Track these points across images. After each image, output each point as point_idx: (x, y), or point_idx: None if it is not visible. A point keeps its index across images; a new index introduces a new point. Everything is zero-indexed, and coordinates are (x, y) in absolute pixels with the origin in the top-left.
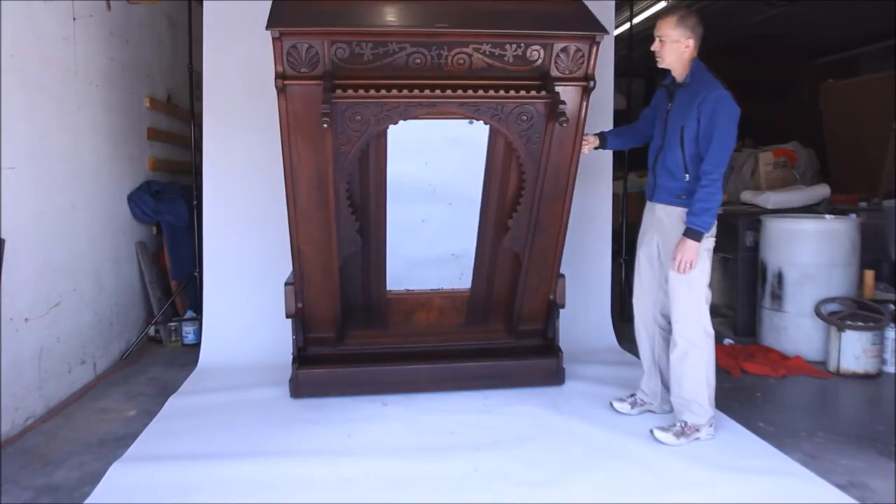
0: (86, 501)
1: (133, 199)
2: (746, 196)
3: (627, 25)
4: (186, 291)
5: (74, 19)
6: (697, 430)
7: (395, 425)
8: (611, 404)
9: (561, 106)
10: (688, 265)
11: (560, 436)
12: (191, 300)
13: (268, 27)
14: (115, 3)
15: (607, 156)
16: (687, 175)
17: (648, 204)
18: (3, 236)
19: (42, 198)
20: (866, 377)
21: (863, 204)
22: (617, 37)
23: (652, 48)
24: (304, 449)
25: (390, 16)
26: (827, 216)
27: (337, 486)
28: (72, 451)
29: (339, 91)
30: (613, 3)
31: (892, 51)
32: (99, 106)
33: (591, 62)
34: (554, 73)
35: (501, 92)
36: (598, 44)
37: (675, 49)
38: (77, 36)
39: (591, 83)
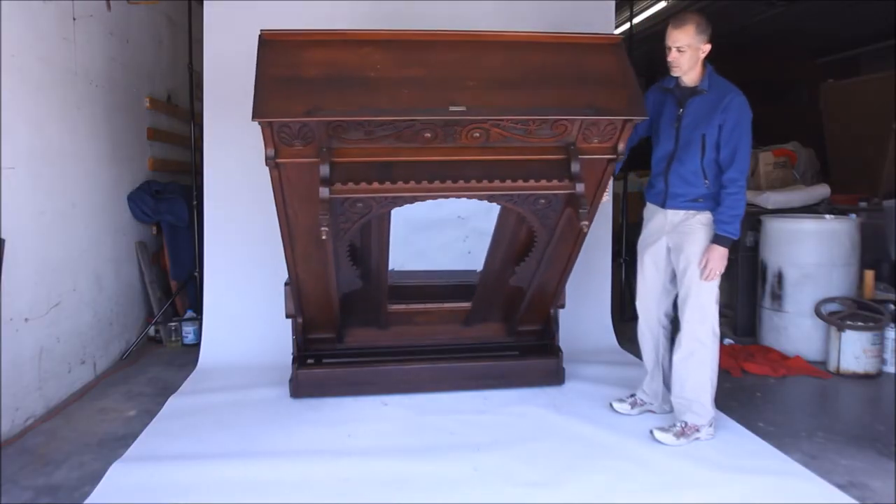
0: (86, 501)
1: (133, 199)
2: (747, 196)
3: (627, 25)
4: (186, 291)
5: (74, 19)
6: (697, 431)
7: (395, 425)
8: (611, 405)
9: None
10: (716, 272)
11: (560, 436)
12: (191, 300)
13: (254, 118)
14: (115, 3)
15: None
16: (706, 181)
17: (653, 208)
18: (3, 236)
19: (42, 198)
20: (866, 377)
21: (863, 204)
22: None
23: (669, 59)
24: (304, 449)
25: (396, 86)
26: (827, 216)
27: (337, 486)
28: (72, 451)
29: (337, 184)
30: (613, 3)
31: (892, 51)
32: (99, 106)
33: (623, 135)
34: (580, 143)
35: (520, 181)
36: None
37: (694, 56)
38: (77, 36)
39: (620, 155)
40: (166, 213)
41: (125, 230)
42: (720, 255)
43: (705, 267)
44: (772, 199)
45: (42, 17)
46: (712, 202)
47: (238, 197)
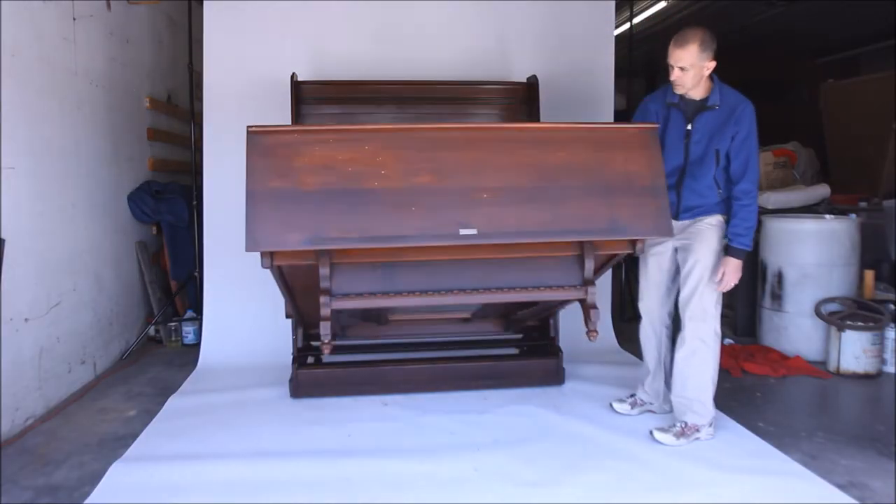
0: (86, 501)
1: (133, 199)
2: None
3: (627, 25)
4: (186, 291)
5: (74, 19)
6: (697, 431)
7: (395, 425)
8: (611, 405)
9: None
10: (731, 284)
11: (560, 436)
12: (191, 300)
13: (248, 248)
14: (115, 3)
15: None
16: (720, 190)
17: None
18: (3, 236)
19: (42, 198)
20: (866, 377)
21: (863, 204)
22: (617, 37)
23: (672, 79)
24: (304, 449)
25: (403, 201)
26: (827, 216)
27: (337, 486)
28: (72, 451)
29: (338, 298)
30: (613, 3)
31: (892, 51)
32: (99, 106)
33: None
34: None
35: (527, 290)
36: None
37: (698, 74)
38: (77, 36)
39: (638, 252)
40: (166, 213)
41: (125, 230)
42: (735, 267)
43: (721, 279)
44: (772, 199)
45: (42, 17)
46: (723, 205)
47: (238, 197)
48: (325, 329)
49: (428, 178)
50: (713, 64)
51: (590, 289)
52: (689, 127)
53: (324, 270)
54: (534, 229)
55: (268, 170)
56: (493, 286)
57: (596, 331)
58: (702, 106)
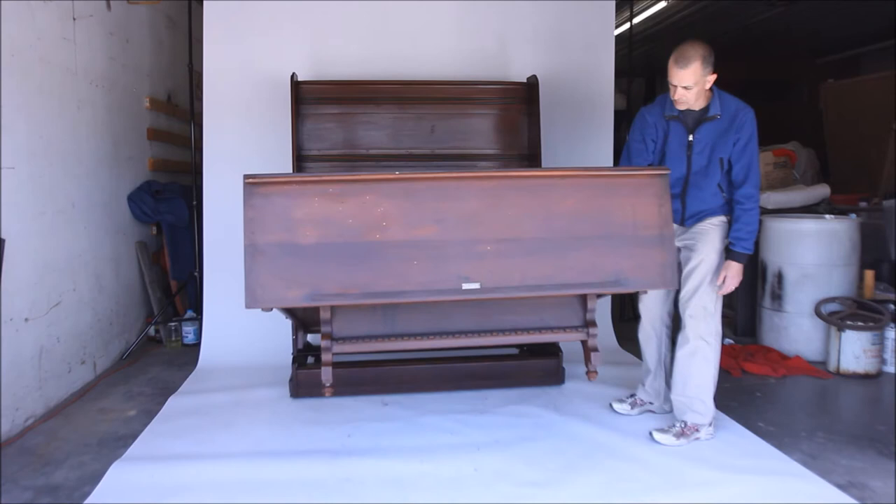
0: (86, 501)
1: (133, 199)
2: None
3: (627, 25)
4: (186, 291)
5: (74, 19)
6: (697, 431)
7: (395, 425)
8: (610, 405)
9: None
10: (732, 287)
11: (560, 436)
12: (191, 300)
13: (248, 305)
14: (115, 3)
15: (607, 156)
16: (724, 194)
17: None
18: (3, 236)
19: (42, 198)
20: (866, 377)
21: (863, 204)
22: (617, 37)
23: (675, 98)
24: (304, 449)
25: (404, 255)
26: (827, 216)
27: (337, 486)
28: (72, 451)
29: (339, 343)
30: (613, 3)
31: (892, 51)
32: (99, 106)
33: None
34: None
35: (528, 334)
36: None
37: (701, 90)
38: (77, 36)
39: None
40: (166, 213)
41: (125, 230)
42: (737, 271)
43: (723, 282)
44: (772, 199)
45: (42, 17)
46: (726, 206)
47: (238, 197)
48: (325, 374)
49: (431, 229)
50: (714, 76)
51: (591, 330)
52: (690, 138)
53: (325, 315)
54: (537, 283)
55: (266, 222)
56: (495, 329)
57: (596, 371)
58: (703, 117)
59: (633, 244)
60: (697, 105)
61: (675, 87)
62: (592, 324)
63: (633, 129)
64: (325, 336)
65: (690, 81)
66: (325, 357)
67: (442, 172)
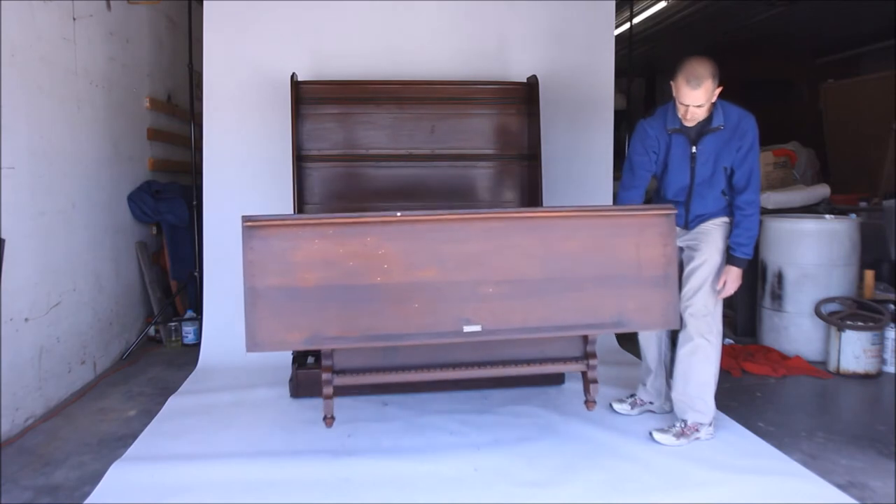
0: (86, 501)
1: (133, 199)
2: None
3: (627, 25)
4: (186, 291)
5: (74, 19)
6: (697, 431)
7: (395, 425)
8: (610, 405)
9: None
10: (732, 291)
11: (560, 436)
12: (191, 300)
13: (249, 349)
14: (115, 3)
15: (607, 156)
16: (726, 197)
17: None
18: (3, 236)
19: (42, 198)
20: (866, 377)
21: (863, 204)
22: (617, 37)
23: (686, 116)
24: (304, 449)
25: (405, 297)
26: (827, 216)
27: (337, 486)
28: (72, 451)
29: (340, 376)
30: (613, 3)
31: (892, 51)
32: (99, 106)
33: None
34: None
35: (528, 366)
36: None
37: (710, 106)
38: (77, 36)
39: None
40: (166, 213)
41: (125, 230)
42: (737, 275)
43: (723, 286)
44: (772, 198)
45: (42, 17)
46: (728, 208)
47: (238, 197)
48: (327, 407)
49: (432, 271)
50: (720, 89)
51: (591, 362)
52: (693, 150)
53: (326, 349)
54: (538, 324)
55: (265, 265)
56: (496, 361)
57: (594, 402)
58: (706, 128)
59: (637, 284)
60: (703, 116)
61: (687, 106)
62: (593, 355)
63: (635, 142)
64: (325, 369)
65: (703, 100)
66: (326, 390)
67: (444, 213)
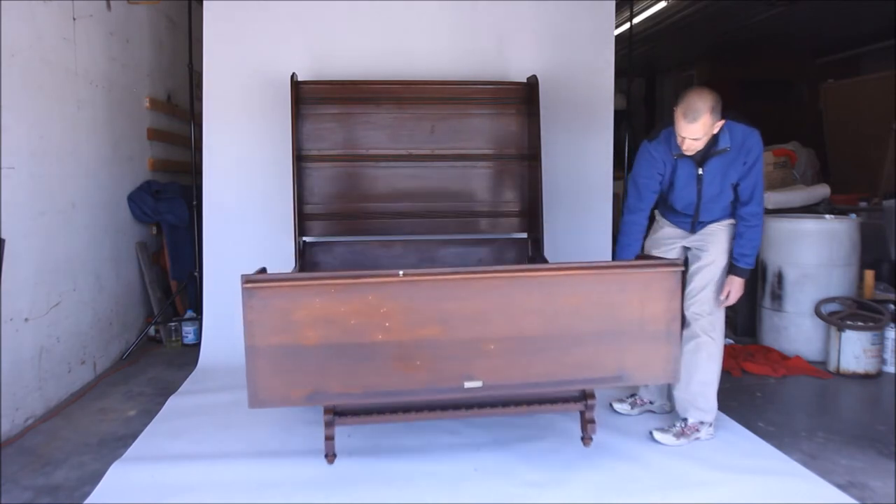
0: (86, 501)
1: (133, 199)
2: None
3: (627, 25)
4: (186, 291)
5: (74, 19)
6: (697, 431)
7: (396, 425)
8: (611, 405)
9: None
10: (735, 299)
11: (560, 436)
12: (191, 300)
13: (251, 405)
14: (115, 3)
15: (607, 156)
16: (731, 202)
17: (674, 229)
18: (3, 236)
19: (42, 198)
20: (866, 377)
21: (863, 204)
22: (617, 37)
23: (684, 147)
24: (304, 449)
25: (407, 355)
26: (827, 216)
27: (337, 486)
28: (72, 451)
29: (343, 418)
30: (613, 2)
31: (892, 51)
32: (99, 106)
33: None
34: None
35: (528, 406)
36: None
37: (710, 137)
38: (77, 36)
39: None
40: (166, 213)
41: (125, 230)
42: (741, 285)
43: (727, 296)
44: (772, 198)
45: (42, 17)
46: (733, 210)
47: (238, 197)
48: (329, 449)
49: (434, 329)
50: (722, 122)
51: (589, 402)
52: (700, 172)
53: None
54: (539, 380)
55: (266, 325)
56: (496, 401)
57: (591, 438)
58: (712, 150)
59: (639, 340)
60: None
61: (684, 138)
62: (591, 396)
63: (640, 165)
64: (326, 411)
65: (700, 134)
66: (328, 432)
67: (446, 271)
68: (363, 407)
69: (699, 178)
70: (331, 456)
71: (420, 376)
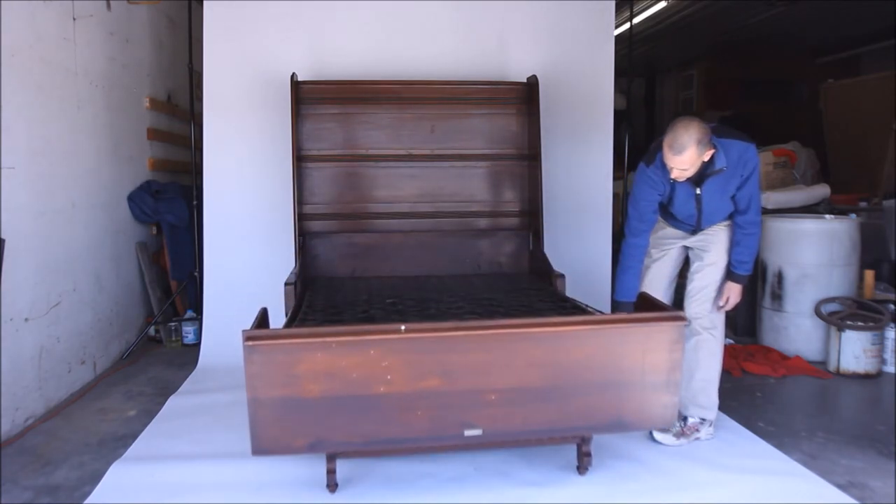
0: (86, 501)
1: (133, 199)
2: None
3: (627, 25)
4: (186, 291)
5: (74, 19)
6: (697, 431)
7: None
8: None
9: None
10: (734, 304)
11: None
12: (191, 300)
13: (254, 453)
14: (115, 3)
15: (607, 156)
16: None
17: (675, 230)
18: (3, 236)
19: (42, 198)
20: (866, 377)
21: (863, 204)
22: (617, 37)
23: (673, 176)
24: None
25: (409, 406)
26: (827, 216)
27: (337, 486)
28: (72, 451)
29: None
30: (613, 2)
31: (892, 51)
32: (99, 106)
33: None
34: None
35: (527, 437)
36: None
37: (699, 167)
38: (77, 36)
39: None
40: (166, 213)
41: (125, 230)
42: (739, 291)
43: (726, 302)
44: (772, 199)
45: (42, 17)
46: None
47: (238, 197)
48: (330, 479)
49: (436, 381)
50: (711, 152)
51: (586, 435)
52: (698, 192)
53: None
54: (538, 427)
55: (267, 378)
56: (494, 437)
57: (587, 469)
58: (708, 171)
59: (640, 388)
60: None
61: (672, 168)
62: (589, 436)
63: (639, 186)
64: (329, 458)
65: (687, 164)
66: (330, 465)
67: (449, 326)
68: (364, 447)
69: (698, 197)
70: (333, 486)
71: (421, 425)
